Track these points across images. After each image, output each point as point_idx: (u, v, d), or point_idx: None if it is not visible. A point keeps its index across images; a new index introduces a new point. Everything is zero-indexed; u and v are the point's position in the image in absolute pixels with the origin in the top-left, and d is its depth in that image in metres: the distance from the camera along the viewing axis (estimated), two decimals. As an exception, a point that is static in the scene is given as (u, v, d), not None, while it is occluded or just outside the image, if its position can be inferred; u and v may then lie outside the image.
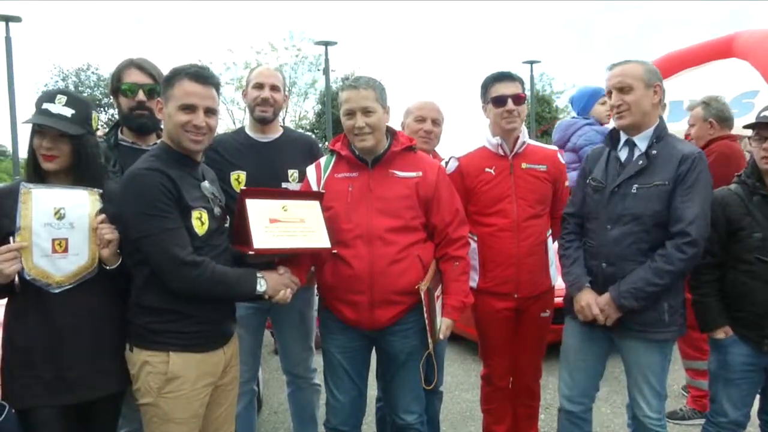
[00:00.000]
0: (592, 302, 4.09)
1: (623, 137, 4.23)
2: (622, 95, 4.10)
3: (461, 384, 7.76)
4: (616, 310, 4.03)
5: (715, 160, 5.57)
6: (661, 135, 4.13)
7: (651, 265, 3.96)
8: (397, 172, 4.14)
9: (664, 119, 4.25)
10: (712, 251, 4.18)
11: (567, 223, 4.48)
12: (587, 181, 4.33)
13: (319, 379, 4.99)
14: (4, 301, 3.53)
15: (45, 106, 3.43)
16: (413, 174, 4.15)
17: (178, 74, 3.55)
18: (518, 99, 4.63)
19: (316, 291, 4.71)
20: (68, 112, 3.45)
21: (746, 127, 4.28)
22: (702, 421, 4.69)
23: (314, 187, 4.20)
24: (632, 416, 4.40)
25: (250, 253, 3.61)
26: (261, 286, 3.61)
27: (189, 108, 3.52)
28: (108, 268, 3.49)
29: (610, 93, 4.19)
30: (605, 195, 4.16)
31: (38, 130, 3.44)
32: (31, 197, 3.36)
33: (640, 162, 4.08)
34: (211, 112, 3.60)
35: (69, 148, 3.45)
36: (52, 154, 3.42)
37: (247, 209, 3.69)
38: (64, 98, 3.50)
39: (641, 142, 4.13)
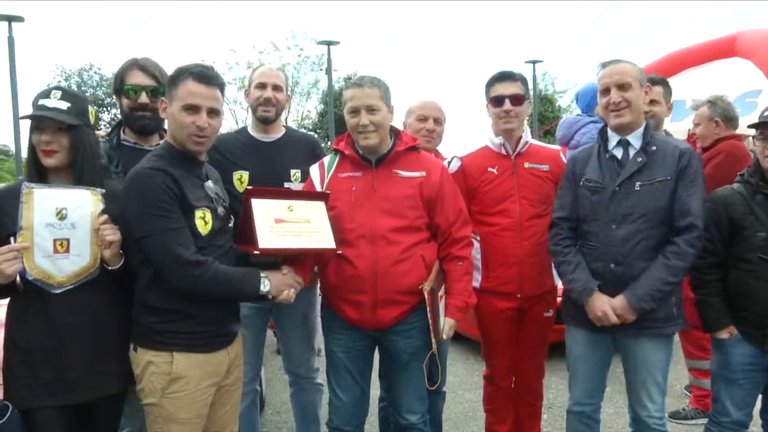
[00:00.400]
0: (608, 311, 4.05)
1: (613, 137, 4.21)
2: (623, 92, 4.10)
3: (464, 384, 7.75)
4: (634, 313, 4.01)
5: (723, 160, 5.57)
6: (651, 134, 4.15)
7: (665, 264, 3.97)
8: (400, 172, 4.14)
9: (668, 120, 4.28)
10: (714, 251, 4.18)
11: (560, 228, 4.40)
12: (581, 182, 4.28)
13: (321, 378, 4.98)
14: (6, 300, 3.49)
15: (41, 101, 3.45)
16: (417, 174, 4.15)
17: (182, 74, 3.54)
18: (516, 99, 4.62)
19: (318, 291, 4.69)
20: (64, 105, 3.46)
21: (750, 126, 4.27)
22: (705, 420, 4.66)
23: (318, 187, 4.20)
24: (633, 418, 4.38)
25: (255, 252, 3.60)
26: (265, 286, 3.60)
27: (192, 108, 3.51)
28: (110, 268, 3.48)
29: (606, 90, 4.15)
30: (606, 195, 4.13)
31: (37, 126, 3.43)
32: (32, 197, 3.35)
33: (639, 159, 4.08)
34: (214, 113, 3.59)
35: (68, 142, 3.45)
36: (51, 148, 3.43)
37: (252, 209, 3.68)
38: (59, 93, 3.51)
39: (635, 140, 4.14)
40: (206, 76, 3.56)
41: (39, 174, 3.49)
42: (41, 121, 3.43)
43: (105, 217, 3.45)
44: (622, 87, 4.09)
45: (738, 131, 6.11)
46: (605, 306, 4.07)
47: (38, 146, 3.44)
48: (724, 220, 4.14)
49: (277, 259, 3.82)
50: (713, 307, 4.22)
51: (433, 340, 4.03)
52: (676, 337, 5.28)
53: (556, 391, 6.95)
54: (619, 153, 4.18)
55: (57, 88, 3.56)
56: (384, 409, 5.02)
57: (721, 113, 6.03)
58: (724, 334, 4.19)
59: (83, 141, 3.50)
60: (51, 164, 3.45)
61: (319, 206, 3.95)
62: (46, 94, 3.50)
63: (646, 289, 3.97)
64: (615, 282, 4.09)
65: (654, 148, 4.09)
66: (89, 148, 3.54)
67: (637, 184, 4.05)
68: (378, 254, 3.98)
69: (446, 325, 4.12)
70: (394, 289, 3.99)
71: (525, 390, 5.06)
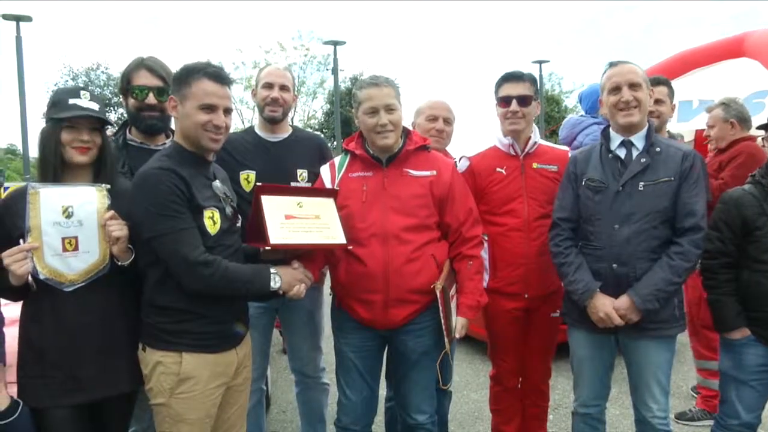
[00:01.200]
0: (611, 312, 4.03)
1: (616, 137, 4.21)
2: (634, 92, 4.09)
3: (470, 384, 7.71)
4: (638, 314, 3.99)
5: (745, 161, 5.57)
6: (654, 135, 4.16)
7: (669, 264, 3.96)
8: (411, 171, 4.13)
9: (674, 119, 4.30)
10: (726, 251, 4.15)
11: (561, 229, 4.37)
12: (583, 182, 4.26)
13: (327, 377, 4.97)
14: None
15: (73, 101, 3.48)
16: (427, 173, 4.14)
17: (196, 73, 3.54)
18: (524, 100, 4.62)
19: (326, 290, 4.67)
20: (95, 106, 3.51)
21: (759, 127, 4.27)
22: (711, 422, 4.61)
23: (329, 186, 4.18)
24: (638, 418, 4.34)
25: (266, 249, 3.60)
26: (275, 282, 3.59)
27: (210, 108, 3.52)
28: (120, 263, 3.47)
29: (616, 89, 4.14)
30: (609, 195, 4.12)
31: (69, 126, 3.44)
32: (38, 197, 3.35)
33: (643, 160, 4.07)
34: (228, 111, 3.61)
35: (100, 140, 3.52)
36: (88, 146, 3.47)
37: (262, 205, 3.68)
38: (87, 94, 3.57)
39: (638, 141, 4.13)
40: (221, 76, 3.58)
41: (60, 171, 3.48)
42: (83, 119, 3.46)
43: (111, 213, 3.45)
44: (633, 86, 4.09)
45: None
46: (608, 307, 4.05)
47: (70, 144, 3.45)
48: (737, 220, 4.11)
49: (285, 256, 3.80)
50: (728, 307, 4.19)
51: (446, 339, 4.02)
52: (685, 338, 5.26)
53: (562, 392, 6.92)
54: (622, 153, 4.16)
55: (83, 88, 3.59)
56: (391, 409, 4.98)
57: (736, 114, 6.02)
58: (737, 335, 4.16)
59: (107, 140, 3.59)
60: (83, 161, 3.49)
61: (329, 203, 3.95)
62: (75, 93, 3.54)
63: (650, 289, 3.95)
64: (617, 283, 4.07)
65: (658, 149, 4.09)
66: (111, 146, 3.64)
67: (641, 184, 4.04)
68: (389, 253, 3.97)
69: (458, 323, 4.11)
70: (406, 288, 3.98)
71: (531, 390, 5.04)
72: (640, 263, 4.02)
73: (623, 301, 4.02)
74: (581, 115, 7.18)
